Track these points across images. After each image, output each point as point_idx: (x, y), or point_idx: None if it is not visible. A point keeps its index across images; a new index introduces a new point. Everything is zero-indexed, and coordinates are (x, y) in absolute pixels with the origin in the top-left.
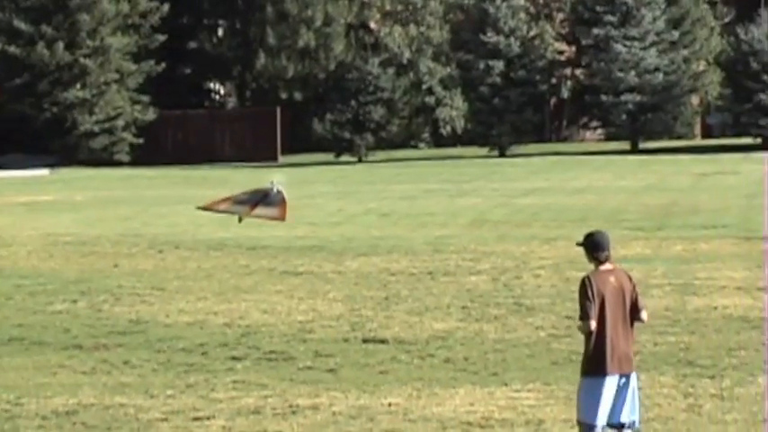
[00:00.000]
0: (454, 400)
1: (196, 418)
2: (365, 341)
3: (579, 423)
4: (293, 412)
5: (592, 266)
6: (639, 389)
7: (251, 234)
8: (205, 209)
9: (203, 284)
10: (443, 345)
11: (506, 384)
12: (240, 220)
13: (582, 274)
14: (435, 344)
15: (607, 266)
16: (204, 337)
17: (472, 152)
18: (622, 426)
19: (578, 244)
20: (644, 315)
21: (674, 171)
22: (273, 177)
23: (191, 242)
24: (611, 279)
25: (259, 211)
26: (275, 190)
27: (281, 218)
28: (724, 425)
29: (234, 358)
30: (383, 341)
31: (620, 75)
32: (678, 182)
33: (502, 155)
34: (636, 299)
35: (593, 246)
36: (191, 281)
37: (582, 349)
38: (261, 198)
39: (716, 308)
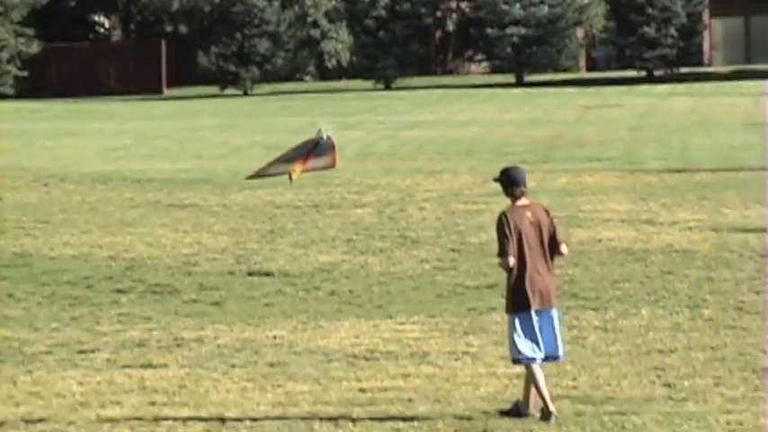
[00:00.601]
0: (339, 332)
1: (81, 351)
2: (250, 274)
3: (515, 361)
4: (178, 345)
5: (480, 201)
6: (561, 323)
7: (136, 167)
8: (255, 176)
9: (88, 217)
10: (328, 277)
11: (391, 317)
12: (291, 179)
13: (468, 207)
14: (320, 276)
15: (523, 202)
16: (89, 271)
17: (357, 85)
18: (555, 358)
19: (495, 180)
20: (563, 249)
21: (559, 104)
22: (320, 125)
23: (76, 175)
24: (528, 214)
25: (311, 163)
26: (324, 137)
27: (333, 165)
28: (608, 356)
29: (119, 291)
30: (268, 274)
31: (505, 7)
32: (563, 115)
33: (387, 88)
34: (554, 233)
35: (509, 181)
36: (75, 214)
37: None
38: (311, 149)
39: (600, 240)
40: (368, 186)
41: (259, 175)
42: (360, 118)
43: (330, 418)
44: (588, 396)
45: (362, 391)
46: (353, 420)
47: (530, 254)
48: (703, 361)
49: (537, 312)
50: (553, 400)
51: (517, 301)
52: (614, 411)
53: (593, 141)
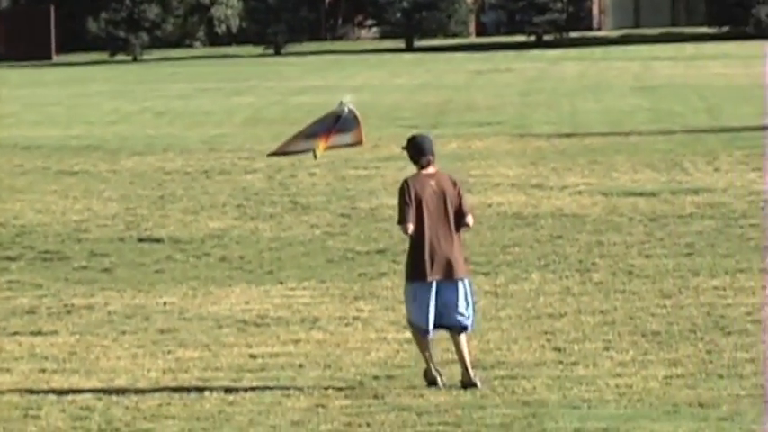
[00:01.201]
0: (230, 298)
1: None
2: (140, 240)
3: (410, 324)
4: (68, 312)
5: (371, 166)
6: (473, 293)
7: (26, 134)
8: (276, 154)
9: None
10: (219, 243)
11: (282, 282)
12: (315, 156)
13: (359, 173)
14: (211, 242)
15: (429, 170)
16: None
17: (247, 51)
18: (451, 328)
19: (402, 148)
20: (469, 219)
21: (449, 69)
22: (343, 97)
23: None
24: (432, 183)
25: (334, 139)
26: (346, 110)
27: (359, 141)
28: (498, 321)
29: (8, 258)
30: (158, 240)
31: None
32: (453, 80)
33: (277, 53)
34: (460, 203)
35: (415, 150)
36: None
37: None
38: (332, 124)
39: (490, 205)
40: (258, 152)
41: (281, 152)
42: (250, 84)
43: (221, 385)
44: (478, 360)
45: (253, 356)
46: (244, 387)
47: (429, 223)
48: (593, 325)
49: (439, 282)
50: (442, 365)
51: (414, 270)
52: (504, 375)
53: (483, 106)
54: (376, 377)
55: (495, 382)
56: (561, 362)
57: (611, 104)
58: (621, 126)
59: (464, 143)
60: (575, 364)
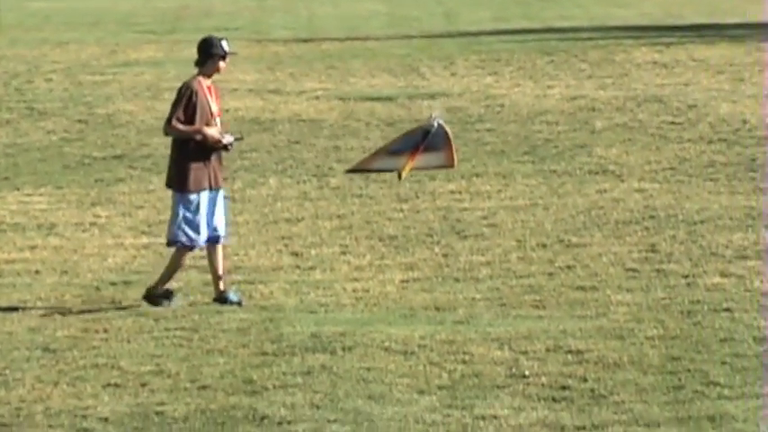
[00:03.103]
0: None
1: None
2: None
3: (172, 243)
4: None
5: (108, 72)
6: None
7: None
8: (356, 170)
9: None
10: None
11: (18, 189)
12: (400, 176)
13: (95, 78)
14: None
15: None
16: None
17: None
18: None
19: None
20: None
21: None
22: (432, 111)
23: None
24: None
25: (420, 159)
26: (435, 125)
27: (450, 164)
28: (235, 226)
29: None
30: None
31: None
32: None
33: None
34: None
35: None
36: None
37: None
38: (420, 140)
39: (227, 110)
40: None
41: (362, 169)
42: None
43: None
44: None
45: None
46: None
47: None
48: (330, 230)
49: (211, 191)
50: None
51: (189, 181)
52: (242, 281)
53: (220, 12)
54: (113, 283)
55: (233, 288)
56: (298, 267)
57: (349, 9)
58: (358, 31)
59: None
60: (312, 268)
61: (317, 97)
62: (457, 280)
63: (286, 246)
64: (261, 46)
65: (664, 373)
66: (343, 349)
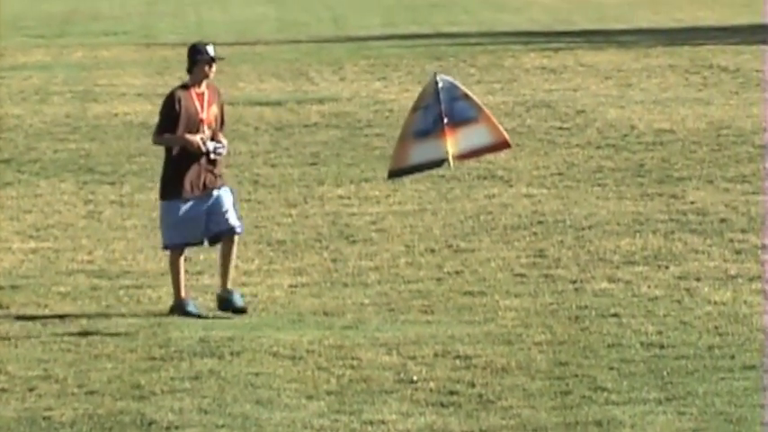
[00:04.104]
0: None
1: None
2: None
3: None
4: None
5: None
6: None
7: None
8: (398, 174)
9: None
10: None
11: None
12: (450, 166)
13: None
14: None
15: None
16: None
17: None
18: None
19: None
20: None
21: None
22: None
23: None
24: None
25: (461, 136)
26: (438, 80)
27: (504, 142)
28: (124, 231)
29: None
30: None
31: None
32: None
33: None
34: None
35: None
36: None
37: None
38: (438, 108)
39: (116, 114)
40: None
41: (405, 169)
42: None
43: None
44: (104, 270)
45: None
46: None
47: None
48: None
49: (202, 194)
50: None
51: (168, 188)
52: (130, 285)
53: (108, 15)
54: (0, 287)
55: (121, 292)
56: (187, 271)
57: (238, 14)
58: (248, 35)
59: (90, 52)
60: (200, 273)
61: None
62: (345, 285)
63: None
64: (150, 50)
65: (551, 378)
66: (232, 354)
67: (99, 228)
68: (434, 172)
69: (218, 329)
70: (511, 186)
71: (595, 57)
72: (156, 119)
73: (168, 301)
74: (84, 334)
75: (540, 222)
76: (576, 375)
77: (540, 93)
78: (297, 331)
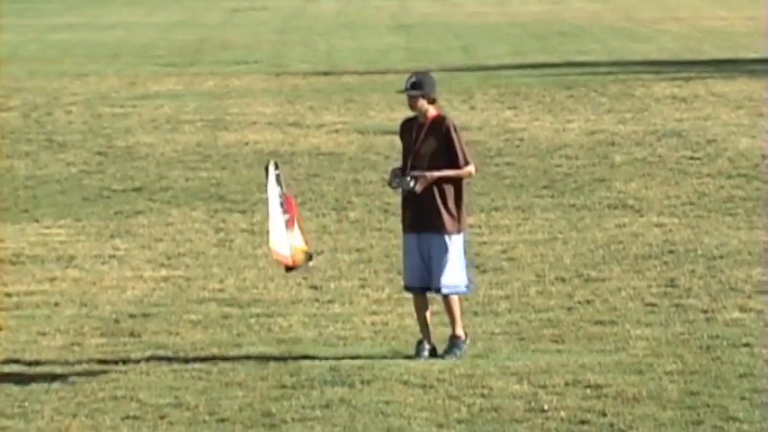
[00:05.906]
0: None
1: None
2: None
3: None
4: None
5: (128, 104)
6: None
7: None
8: (291, 268)
9: None
10: None
11: (37, 221)
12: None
13: (115, 110)
14: None
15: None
16: None
17: None
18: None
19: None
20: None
21: (206, 7)
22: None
23: None
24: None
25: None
26: (272, 170)
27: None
28: (254, 259)
29: None
30: None
31: None
32: (209, 18)
33: None
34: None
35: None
36: None
37: None
38: (279, 189)
39: (247, 143)
40: (13, 90)
41: (295, 266)
42: (6, 21)
43: None
44: (235, 298)
45: (8, 295)
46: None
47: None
48: (349, 263)
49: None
50: (199, 303)
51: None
52: (261, 313)
53: (239, 44)
54: (132, 315)
55: (252, 320)
56: (317, 300)
57: (368, 43)
58: (377, 64)
59: (221, 81)
60: (331, 302)
61: (337, 130)
62: (476, 313)
63: (305, 278)
64: (280, 79)
65: (683, 407)
66: (362, 382)
67: (230, 256)
68: (565, 201)
69: (348, 358)
70: (642, 216)
71: (726, 86)
72: (285, 147)
73: (300, 330)
74: (216, 362)
75: (670, 252)
76: (708, 405)
77: (671, 122)
78: (427, 360)
